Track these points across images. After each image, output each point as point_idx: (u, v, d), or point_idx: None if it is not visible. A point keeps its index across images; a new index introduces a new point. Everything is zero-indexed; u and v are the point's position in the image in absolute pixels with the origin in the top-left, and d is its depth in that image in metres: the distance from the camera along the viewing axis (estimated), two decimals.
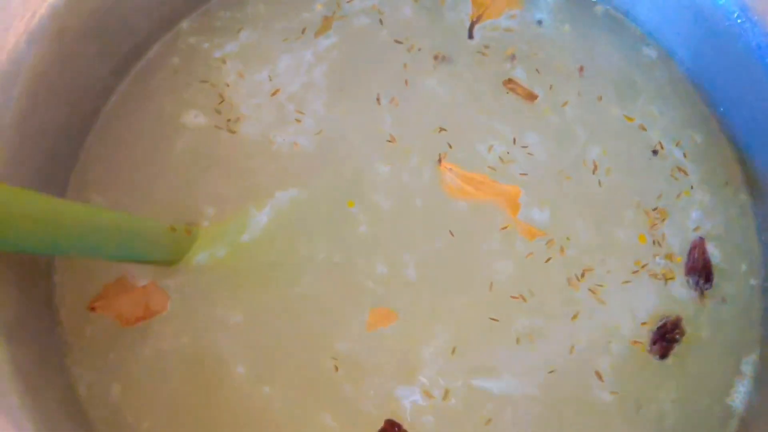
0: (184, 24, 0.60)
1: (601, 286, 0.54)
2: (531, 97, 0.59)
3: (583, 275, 0.54)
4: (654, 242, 0.56)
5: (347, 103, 0.58)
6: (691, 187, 0.57)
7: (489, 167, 0.57)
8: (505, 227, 0.55)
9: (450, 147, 0.57)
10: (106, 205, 0.55)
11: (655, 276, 0.55)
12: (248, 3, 0.61)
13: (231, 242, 0.55)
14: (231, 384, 0.51)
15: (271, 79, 0.59)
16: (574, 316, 0.53)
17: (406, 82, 0.59)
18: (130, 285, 0.54)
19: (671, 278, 0.55)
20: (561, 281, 0.54)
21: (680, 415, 0.52)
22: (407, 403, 0.51)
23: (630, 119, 0.58)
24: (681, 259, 0.55)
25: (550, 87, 0.59)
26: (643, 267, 0.55)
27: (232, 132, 0.57)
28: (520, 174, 0.57)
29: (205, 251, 0.55)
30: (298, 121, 0.58)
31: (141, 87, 0.58)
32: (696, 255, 0.55)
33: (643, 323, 0.53)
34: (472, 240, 0.55)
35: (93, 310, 0.53)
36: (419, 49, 0.60)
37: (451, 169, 0.57)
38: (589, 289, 0.54)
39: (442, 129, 0.58)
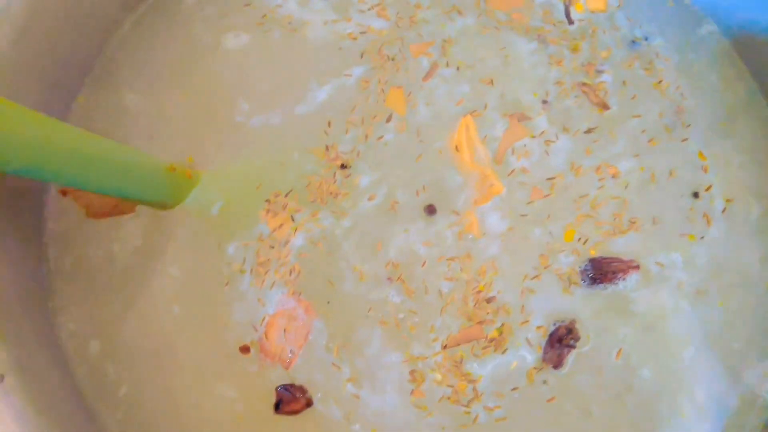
0: None
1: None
2: (603, 106, 0.57)
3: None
4: None
5: None
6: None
7: (500, 153, 0.55)
8: (456, 212, 0.53)
9: (485, 108, 0.56)
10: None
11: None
12: None
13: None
14: None
15: None
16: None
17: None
18: None
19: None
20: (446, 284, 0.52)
21: None
22: None
23: (703, 158, 0.56)
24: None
25: (631, 100, 0.56)
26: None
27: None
28: (521, 176, 0.55)
29: (201, 200, 0.52)
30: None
31: (150, 21, 0.56)
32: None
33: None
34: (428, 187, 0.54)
35: (64, 195, 0.52)
36: (527, 29, 0.58)
37: (468, 126, 0.55)
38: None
39: (493, 83, 0.56)
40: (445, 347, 0.50)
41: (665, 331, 0.52)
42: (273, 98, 0.55)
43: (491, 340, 0.51)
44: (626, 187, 0.54)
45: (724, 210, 0.54)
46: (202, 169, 0.53)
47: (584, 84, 0.57)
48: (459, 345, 0.51)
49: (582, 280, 0.52)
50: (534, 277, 0.52)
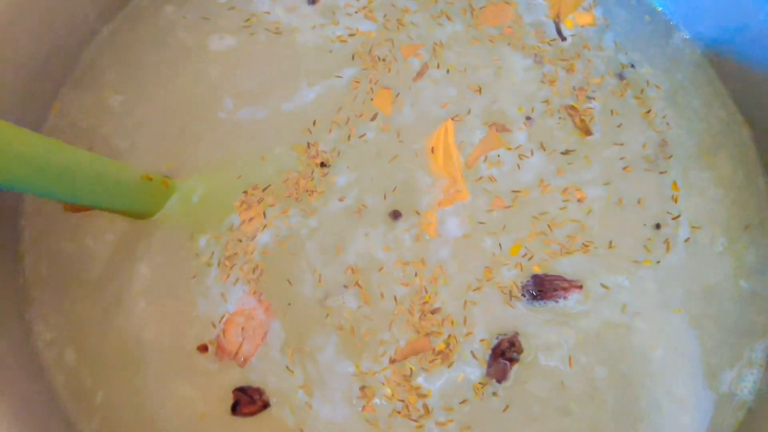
0: None
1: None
2: (586, 132, 0.56)
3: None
4: None
5: None
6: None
7: (472, 159, 0.55)
8: (418, 212, 0.53)
9: (468, 113, 0.56)
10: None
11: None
12: None
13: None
14: None
15: None
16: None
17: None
18: None
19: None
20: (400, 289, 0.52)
21: None
22: None
23: (675, 188, 0.55)
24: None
25: (617, 128, 0.56)
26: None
27: None
28: (488, 183, 0.54)
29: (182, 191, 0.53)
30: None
31: (129, 27, 0.57)
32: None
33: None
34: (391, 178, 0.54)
35: None
36: (522, 46, 0.58)
37: (447, 130, 0.55)
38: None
39: (481, 91, 0.56)
40: (393, 361, 0.50)
41: (618, 339, 0.51)
42: (260, 95, 0.56)
43: (438, 353, 0.50)
44: (589, 212, 0.54)
45: (687, 240, 0.53)
46: (181, 176, 0.54)
47: (571, 107, 0.56)
48: (407, 358, 0.50)
49: (523, 294, 0.51)
50: (476, 289, 0.51)
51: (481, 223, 0.53)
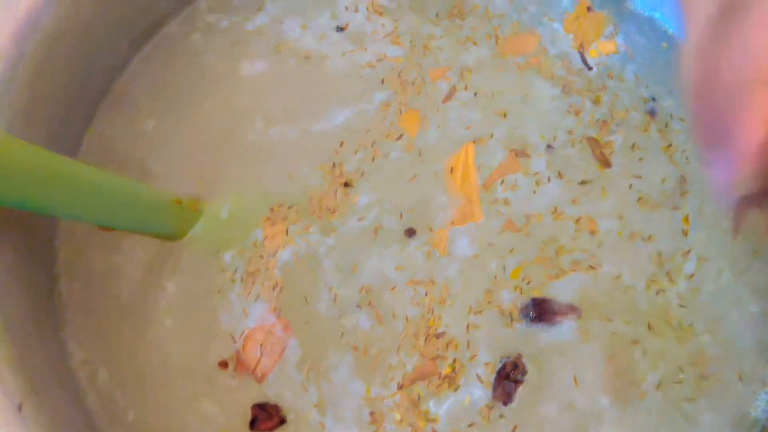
0: (202, 2, 0.60)
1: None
2: (605, 164, 0.56)
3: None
4: None
5: None
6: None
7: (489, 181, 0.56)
8: (431, 229, 0.54)
9: (490, 137, 0.57)
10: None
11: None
12: None
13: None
14: None
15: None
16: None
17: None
18: None
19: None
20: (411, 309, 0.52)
21: None
22: None
23: (686, 222, 0.55)
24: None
25: (638, 162, 0.56)
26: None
27: None
28: (502, 206, 0.55)
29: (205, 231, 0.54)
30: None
31: (160, 55, 0.59)
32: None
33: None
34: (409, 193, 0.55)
35: None
36: (551, 75, 0.59)
37: (468, 152, 0.56)
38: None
39: (505, 116, 0.57)
40: (401, 387, 0.50)
41: (623, 362, 0.51)
42: (290, 116, 0.57)
43: (444, 377, 0.50)
44: (600, 245, 0.54)
45: (692, 275, 0.53)
46: (211, 196, 0.55)
47: (593, 139, 0.57)
48: (415, 383, 0.50)
49: (522, 317, 0.52)
50: (477, 312, 0.52)
51: (490, 244, 0.53)
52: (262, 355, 0.51)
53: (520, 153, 0.56)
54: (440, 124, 0.57)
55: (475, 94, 0.58)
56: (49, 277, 0.53)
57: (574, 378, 0.50)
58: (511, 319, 0.51)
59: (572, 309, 0.52)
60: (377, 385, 0.50)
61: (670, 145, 0.56)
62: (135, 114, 0.57)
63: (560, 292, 0.52)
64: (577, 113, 0.57)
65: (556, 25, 0.60)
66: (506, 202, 0.55)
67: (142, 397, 0.51)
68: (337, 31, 0.60)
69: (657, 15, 0.60)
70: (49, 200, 0.43)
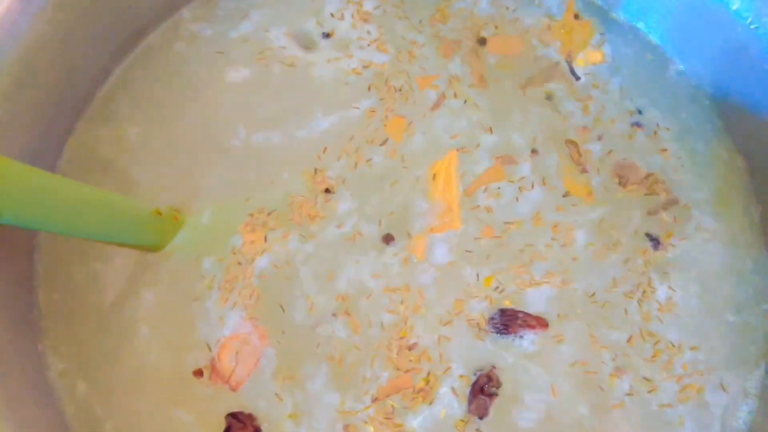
0: (185, 12, 0.61)
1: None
2: (581, 169, 0.56)
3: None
4: None
5: None
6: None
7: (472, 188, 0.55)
8: (410, 235, 0.54)
9: (477, 146, 0.57)
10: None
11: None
12: None
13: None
14: None
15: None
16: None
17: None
18: None
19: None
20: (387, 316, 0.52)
21: None
22: None
23: (667, 237, 0.55)
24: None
25: (610, 185, 0.56)
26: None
27: None
28: (483, 213, 0.54)
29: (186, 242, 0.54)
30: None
31: (141, 68, 0.59)
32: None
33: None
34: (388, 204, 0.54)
35: None
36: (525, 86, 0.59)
37: (451, 160, 0.56)
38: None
39: (492, 132, 0.57)
40: (375, 400, 0.49)
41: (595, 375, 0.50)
42: (274, 122, 0.57)
43: (419, 391, 0.50)
44: (574, 259, 0.54)
45: (662, 309, 0.53)
46: (194, 204, 0.55)
47: (573, 143, 0.57)
48: (389, 396, 0.49)
49: (489, 328, 0.51)
50: (446, 323, 0.51)
51: (468, 251, 0.53)
52: (237, 363, 0.50)
53: (507, 160, 0.56)
54: (426, 130, 0.57)
55: (465, 102, 0.57)
56: (28, 289, 0.53)
57: (552, 387, 0.50)
58: (479, 329, 0.51)
59: (539, 320, 0.51)
60: (351, 398, 0.50)
61: (665, 150, 0.57)
62: (118, 123, 0.57)
63: (533, 301, 0.52)
64: (564, 120, 0.57)
65: (543, 32, 0.60)
66: (488, 209, 0.54)
67: (119, 408, 0.51)
68: (324, 38, 0.60)
69: (640, 25, 0.61)
70: (29, 215, 0.43)
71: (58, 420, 0.50)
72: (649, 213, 0.55)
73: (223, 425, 0.49)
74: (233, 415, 0.49)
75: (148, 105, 0.58)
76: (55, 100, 0.54)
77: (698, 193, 0.56)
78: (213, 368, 0.50)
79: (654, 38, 0.60)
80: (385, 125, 0.57)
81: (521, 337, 0.51)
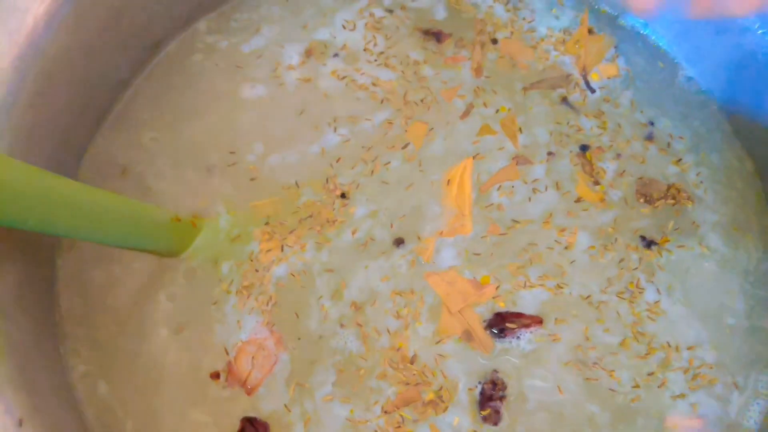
0: (201, 24, 0.62)
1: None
2: (594, 181, 0.57)
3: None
4: None
5: None
6: None
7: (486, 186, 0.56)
8: (419, 238, 0.55)
9: (498, 150, 0.58)
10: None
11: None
12: (262, 4, 0.63)
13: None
14: None
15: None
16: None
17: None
18: None
19: None
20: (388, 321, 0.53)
21: None
22: None
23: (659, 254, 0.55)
24: None
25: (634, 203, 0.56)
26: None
27: None
28: (495, 212, 0.55)
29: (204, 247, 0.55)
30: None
31: (160, 78, 0.60)
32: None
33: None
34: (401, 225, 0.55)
35: None
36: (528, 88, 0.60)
37: (466, 167, 0.56)
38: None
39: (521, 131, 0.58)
40: (386, 412, 0.50)
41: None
42: (289, 141, 0.58)
43: (428, 403, 0.50)
44: (571, 263, 0.54)
45: (657, 303, 0.53)
46: (211, 213, 0.57)
47: (585, 156, 0.57)
48: (399, 408, 0.50)
49: (488, 333, 0.52)
50: (438, 341, 0.52)
51: (476, 254, 0.54)
52: (253, 368, 0.51)
53: (523, 160, 0.57)
54: (447, 136, 0.58)
55: (497, 111, 0.59)
56: (50, 293, 0.54)
57: (558, 387, 0.50)
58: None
59: (533, 318, 0.52)
60: (361, 407, 0.50)
61: (680, 160, 0.58)
62: (136, 131, 0.59)
63: (526, 303, 0.53)
64: (579, 130, 0.58)
65: (557, 45, 0.61)
66: (500, 207, 0.55)
67: (139, 408, 0.52)
68: (333, 56, 0.61)
69: (648, 32, 0.61)
70: (51, 221, 0.44)
71: (80, 421, 0.51)
72: (658, 220, 0.56)
73: (236, 427, 0.50)
74: (248, 420, 0.50)
75: (166, 115, 0.59)
76: (76, 110, 0.55)
77: (714, 215, 0.56)
78: (230, 371, 0.51)
79: (662, 44, 0.61)
80: (405, 130, 0.58)
81: (518, 337, 0.51)
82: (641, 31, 0.62)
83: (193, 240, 0.55)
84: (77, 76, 0.54)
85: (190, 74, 0.61)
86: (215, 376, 0.51)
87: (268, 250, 0.54)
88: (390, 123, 0.58)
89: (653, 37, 0.62)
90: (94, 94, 0.57)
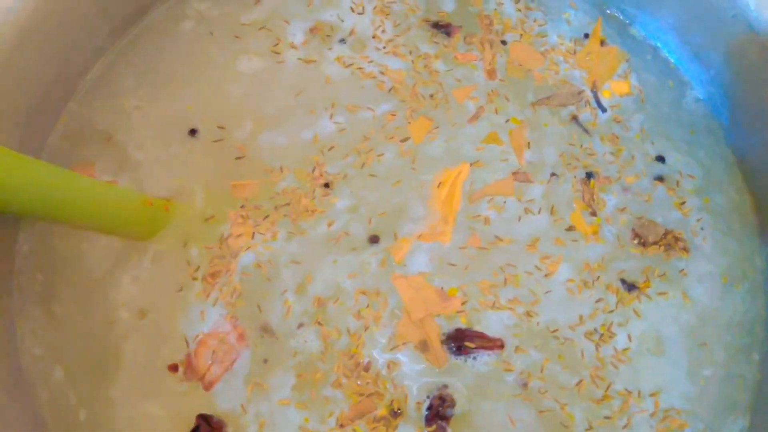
0: None
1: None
2: (591, 212, 0.54)
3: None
4: None
5: None
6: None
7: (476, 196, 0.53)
8: (396, 237, 0.52)
9: (499, 161, 0.55)
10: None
11: None
12: None
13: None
14: None
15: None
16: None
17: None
18: None
19: None
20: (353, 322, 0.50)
21: None
22: None
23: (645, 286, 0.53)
24: None
25: (627, 242, 0.53)
26: None
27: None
28: (479, 223, 0.52)
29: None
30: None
31: (144, 45, 0.57)
32: None
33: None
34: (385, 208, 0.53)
35: None
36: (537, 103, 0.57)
37: (461, 172, 0.54)
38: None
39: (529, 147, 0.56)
40: (341, 426, 0.48)
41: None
42: (282, 121, 0.55)
43: (380, 419, 0.48)
44: (546, 293, 0.51)
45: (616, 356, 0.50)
46: (187, 192, 0.54)
47: (588, 185, 0.54)
48: (354, 421, 0.48)
49: (445, 348, 0.49)
50: (393, 348, 0.49)
51: (451, 264, 0.51)
52: (212, 362, 0.48)
53: (522, 177, 0.54)
54: (450, 138, 0.55)
55: (507, 121, 0.56)
56: (9, 270, 0.51)
57: (509, 416, 0.48)
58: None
59: (495, 342, 0.49)
60: (316, 418, 0.48)
61: (683, 203, 0.55)
62: (118, 99, 0.56)
63: (491, 324, 0.50)
64: (590, 155, 0.55)
65: (567, 56, 0.58)
66: (486, 220, 0.53)
67: (94, 396, 0.49)
68: (340, 42, 0.58)
69: (659, 44, 0.59)
70: (15, 202, 0.42)
71: (30, 407, 0.49)
72: (645, 264, 0.53)
73: (191, 423, 0.48)
74: (204, 417, 0.47)
75: (152, 82, 0.56)
76: (51, 74, 0.52)
77: (708, 265, 0.53)
78: (188, 364, 0.49)
79: (672, 59, 0.59)
80: (408, 122, 0.55)
81: (474, 358, 0.49)
82: (653, 43, 0.59)
83: (164, 224, 0.53)
84: (52, 45, 0.51)
85: (180, 42, 0.58)
86: (173, 368, 0.49)
87: (239, 235, 0.52)
88: (393, 115, 0.55)
89: (665, 51, 0.59)
90: (70, 59, 0.54)
